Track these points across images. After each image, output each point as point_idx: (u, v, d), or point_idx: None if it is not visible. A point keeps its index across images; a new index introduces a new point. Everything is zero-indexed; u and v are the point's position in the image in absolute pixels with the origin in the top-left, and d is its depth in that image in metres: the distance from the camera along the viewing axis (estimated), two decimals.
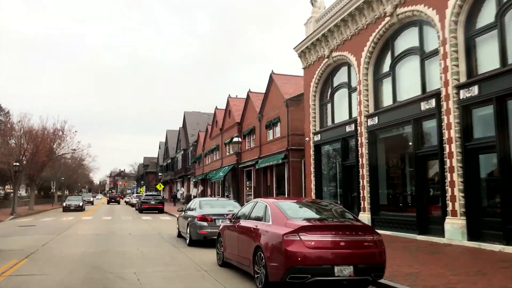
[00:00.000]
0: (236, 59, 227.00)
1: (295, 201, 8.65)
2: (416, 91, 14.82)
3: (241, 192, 37.58)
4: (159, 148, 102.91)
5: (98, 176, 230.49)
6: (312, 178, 21.77)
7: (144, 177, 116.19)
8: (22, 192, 71.47)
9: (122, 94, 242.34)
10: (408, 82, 15.64)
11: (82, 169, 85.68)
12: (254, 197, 33.42)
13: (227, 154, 41.80)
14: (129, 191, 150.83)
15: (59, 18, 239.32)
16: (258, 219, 8.04)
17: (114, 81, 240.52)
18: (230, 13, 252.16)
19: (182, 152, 68.32)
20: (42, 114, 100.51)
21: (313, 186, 21.66)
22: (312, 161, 21.83)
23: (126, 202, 72.18)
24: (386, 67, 16.90)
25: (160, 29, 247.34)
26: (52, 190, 55.73)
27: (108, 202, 74.34)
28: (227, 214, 13.88)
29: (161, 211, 37.78)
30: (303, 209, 8.05)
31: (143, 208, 37.41)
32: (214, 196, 46.41)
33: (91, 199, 54.66)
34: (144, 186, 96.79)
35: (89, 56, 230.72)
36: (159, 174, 51.46)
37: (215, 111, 47.96)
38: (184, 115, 70.63)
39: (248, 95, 36.66)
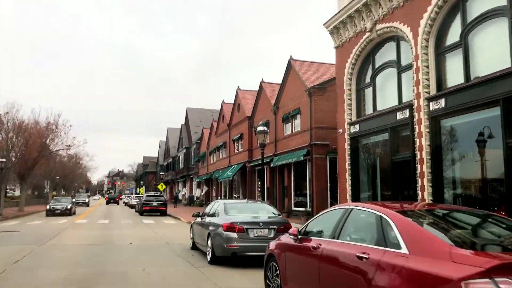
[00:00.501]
0: (237, 59, 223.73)
1: (425, 208, 5.12)
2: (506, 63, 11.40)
3: (252, 193, 34.15)
4: (159, 147, 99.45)
5: (96, 176, 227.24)
6: (348, 177, 18.27)
7: (144, 177, 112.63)
8: (17, 191, 68.03)
9: (120, 94, 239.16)
10: (488, 53, 12.21)
11: (79, 168, 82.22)
12: (267, 199, 30.00)
13: (236, 151, 38.36)
14: (127, 192, 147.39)
15: (57, 16, 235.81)
16: (365, 240, 4.59)
17: (113, 81, 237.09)
18: (231, 14, 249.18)
19: (184, 150, 64.84)
20: (34, 107, 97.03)
21: (349, 187, 18.16)
22: (348, 157, 18.33)
23: (125, 203, 68.68)
24: (453, 37, 13.45)
25: (160, 29, 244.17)
26: (46, 190, 52.17)
27: (107, 203, 73.57)
28: (264, 223, 10.49)
29: (163, 213, 34.32)
30: (457, 224, 4.57)
31: (144, 210, 33.95)
32: (221, 198, 42.93)
33: (86, 200, 49.71)
34: (144, 187, 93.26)
35: (87, 55, 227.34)
36: (161, 173, 47.66)
37: (221, 105, 44.51)
38: (186, 112, 67.16)
39: (261, 85, 33.21)
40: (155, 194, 36.61)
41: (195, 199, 57.23)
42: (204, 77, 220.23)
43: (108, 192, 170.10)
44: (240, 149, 37.19)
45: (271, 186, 30.59)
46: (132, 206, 53.12)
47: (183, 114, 67.07)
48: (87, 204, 37.17)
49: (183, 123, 68.66)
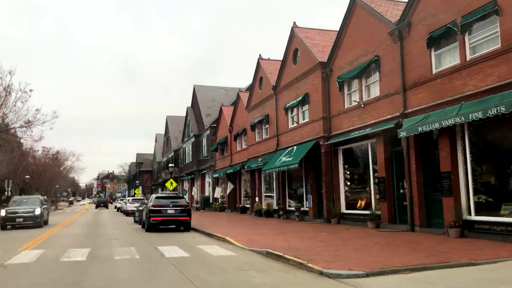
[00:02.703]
0: (228, 60, 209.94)
1: None
2: None
3: (335, 189, 20.28)
4: (156, 141, 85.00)
5: (85, 178, 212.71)
6: None
7: (138, 177, 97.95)
8: None
9: (111, 97, 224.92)
10: None
11: (59, 167, 67.64)
12: (381, 200, 16.15)
13: (295, 124, 24.40)
14: (119, 194, 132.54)
15: (48, 18, 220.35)
16: None
17: (102, 84, 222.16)
18: (222, 15, 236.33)
19: (192, 139, 50.65)
20: None
21: None
22: None
23: (118, 208, 54.30)
24: None
25: (151, 29, 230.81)
26: (7, 193, 37.49)
27: (97, 207, 70.20)
28: None
29: (187, 227, 20.36)
30: None
31: (154, 222, 19.86)
32: (260, 197, 29.01)
33: (37, 211, 28.11)
34: (141, 187, 78.88)
35: (78, 57, 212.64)
36: (170, 165, 33.49)
37: (258, 61, 30.35)
38: (193, 91, 52.93)
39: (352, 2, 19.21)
40: (172, 194, 22.21)
41: (211, 201, 43.06)
42: (197, 80, 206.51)
43: (97, 195, 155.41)
44: (305, 120, 23.24)
45: (389, 174, 16.70)
46: (127, 213, 38.86)
47: (192, 89, 52.74)
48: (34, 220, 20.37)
49: (190, 105, 54.44)
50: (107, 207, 72.57)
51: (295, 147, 23.38)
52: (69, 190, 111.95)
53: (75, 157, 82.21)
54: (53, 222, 29.56)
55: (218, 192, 39.14)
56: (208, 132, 45.40)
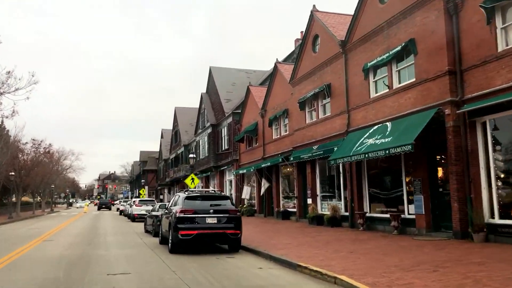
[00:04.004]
0: (232, 62, 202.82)
1: None
2: None
3: (475, 185, 12.46)
4: (162, 137, 77.17)
5: (85, 179, 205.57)
6: None
7: (141, 177, 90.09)
8: None
9: (112, 99, 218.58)
10: None
11: (55, 164, 59.99)
12: None
13: (384, 90, 16.59)
14: (121, 195, 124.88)
15: (50, 21, 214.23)
16: None
17: (103, 86, 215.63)
18: (225, 17, 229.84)
19: (208, 130, 42.86)
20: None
21: None
22: None
23: (121, 212, 46.63)
24: None
25: (154, 32, 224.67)
26: None
27: (99, 208, 68.78)
28: None
29: (235, 245, 12.64)
30: None
31: (186, 238, 12.09)
32: (317, 198, 21.33)
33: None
34: (146, 187, 71.19)
35: (81, 61, 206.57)
36: (190, 156, 25.51)
37: (311, 16, 22.35)
38: (209, 73, 45.10)
39: None
40: (210, 193, 14.06)
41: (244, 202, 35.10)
42: (202, 82, 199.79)
43: (98, 196, 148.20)
44: (407, 81, 15.38)
45: None
46: (134, 218, 31.11)
47: (208, 71, 44.77)
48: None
49: (205, 90, 46.63)
50: (109, 208, 69.58)
51: (389, 124, 15.59)
52: (67, 190, 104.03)
53: (74, 156, 75.02)
54: (29, 233, 21.84)
55: (246, 193, 31.34)
56: (229, 120, 37.63)
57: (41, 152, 42.31)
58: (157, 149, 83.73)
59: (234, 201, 35.62)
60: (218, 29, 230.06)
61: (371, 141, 15.76)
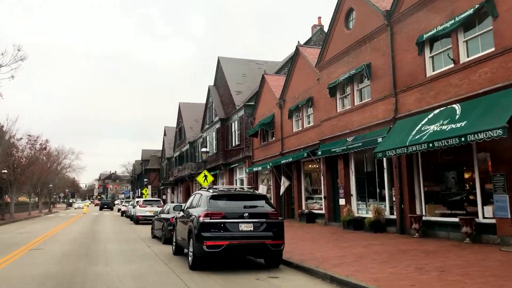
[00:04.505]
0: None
1: None
2: None
3: None
4: (165, 134, 74.18)
5: (85, 179, 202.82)
6: None
7: (143, 176, 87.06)
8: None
9: (112, 98, 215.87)
10: None
11: (53, 162, 57.04)
12: None
13: (448, 65, 13.55)
14: (122, 195, 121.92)
15: (49, 21, 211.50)
16: None
17: (104, 86, 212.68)
18: (226, 17, 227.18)
19: (216, 125, 39.87)
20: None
21: None
22: None
23: (123, 213, 43.70)
24: None
25: (154, 33, 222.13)
26: None
27: (101, 208, 68.49)
28: None
29: (276, 258, 9.69)
30: None
31: (214, 251, 9.10)
32: (350, 199, 18.27)
33: None
34: (150, 186, 68.19)
35: (82, 61, 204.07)
36: (203, 150, 22.57)
37: None
38: (218, 64, 42.03)
39: None
40: (242, 191, 10.95)
41: None
42: (202, 82, 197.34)
43: (99, 196, 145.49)
44: (480, 52, 12.39)
45: None
46: (137, 220, 28.09)
47: (216, 61, 41.56)
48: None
49: (212, 83, 43.57)
50: (111, 209, 68.49)
51: (456, 106, 12.56)
52: (66, 190, 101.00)
53: (74, 155, 72.15)
54: (16, 239, 18.85)
55: (262, 191, 28.25)
56: (241, 113, 34.61)
57: (37, 149, 39.34)
58: (160, 148, 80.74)
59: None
60: (218, 28, 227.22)
61: (434, 127, 12.72)
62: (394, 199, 15.92)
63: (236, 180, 36.96)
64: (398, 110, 15.56)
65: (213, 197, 9.87)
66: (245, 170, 32.39)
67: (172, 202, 52.01)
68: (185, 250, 11.18)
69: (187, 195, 57.26)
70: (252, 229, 9.33)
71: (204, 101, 46.33)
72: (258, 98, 31.33)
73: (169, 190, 70.04)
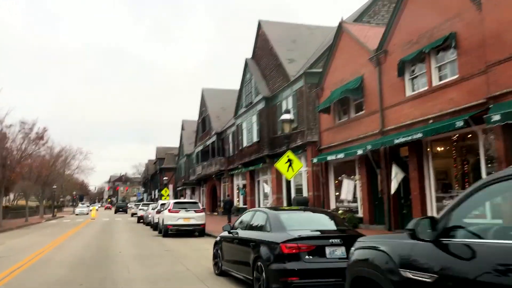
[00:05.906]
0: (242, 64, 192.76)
1: None
2: None
3: None
4: (183, 129, 65.61)
5: (94, 181, 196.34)
6: None
7: (158, 176, 78.58)
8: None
9: (120, 101, 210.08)
10: None
11: (56, 159, 48.83)
12: None
13: None
14: (133, 198, 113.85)
15: (60, 24, 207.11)
16: None
17: (112, 89, 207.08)
18: (234, 20, 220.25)
19: (259, 106, 31.08)
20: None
21: None
22: None
23: (139, 218, 35.10)
24: None
25: (166, 37, 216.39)
26: None
27: (116, 211, 69.14)
28: None
29: None
30: None
31: None
32: None
33: None
34: (171, 186, 59.61)
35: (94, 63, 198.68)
36: (285, 117, 13.67)
37: None
38: (258, 29, 33.10)
39: None
40: None
41: (338, 210, 23.11)
42: (212, 84, 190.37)
43: (109, 199, 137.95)
44: None
45: None
46: (166, 231, 19.30)
47: (256, 25, 32.44)
48: None
49: (250, 56, 34.76)
50: (126, 211, 67.31)
51: None
52: (74, 193, 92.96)
53: (82, 155, 64.32)
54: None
55: (348, 190, 19.38)
56: (298, 85, 25.82)
57: (32, 139, 30.91)
58: (177, 145, 72.06)
59: (313, 202, 23.92)
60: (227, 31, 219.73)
61: None
62: None
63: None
64: None
65: None
66: (313, 160, 23.37)
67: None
68: None
69: (213, 196, 48.62)
70: None
71: (230, 88, 37.81)
72: (329, 59, 22.47)
73: (188, 191, 61.47)
